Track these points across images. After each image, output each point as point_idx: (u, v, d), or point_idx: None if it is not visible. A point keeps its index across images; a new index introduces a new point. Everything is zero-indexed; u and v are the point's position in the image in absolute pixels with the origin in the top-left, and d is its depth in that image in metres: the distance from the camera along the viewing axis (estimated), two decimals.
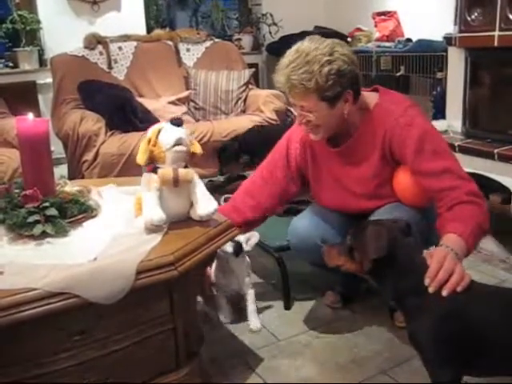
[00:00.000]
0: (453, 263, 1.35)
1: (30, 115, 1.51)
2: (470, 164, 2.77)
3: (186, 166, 1.52)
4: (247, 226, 1.95)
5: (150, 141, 1.47)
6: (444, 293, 1.30)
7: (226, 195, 2.72)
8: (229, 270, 1.99)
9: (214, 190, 3.30)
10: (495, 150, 2.89)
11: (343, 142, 1.82)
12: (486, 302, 1.32)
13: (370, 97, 1.78)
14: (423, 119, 1.75)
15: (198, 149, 1.55)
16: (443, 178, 1.63)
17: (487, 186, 2.87)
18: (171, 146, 1.46)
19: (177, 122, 1.49)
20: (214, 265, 2.00)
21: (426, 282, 1.32)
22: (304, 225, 1.93)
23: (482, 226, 1.54)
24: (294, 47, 1.70)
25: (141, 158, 1.49)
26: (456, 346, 1.28)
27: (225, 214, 1.69)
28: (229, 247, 1.90)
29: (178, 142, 1.47)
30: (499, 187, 2.89)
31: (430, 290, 1.31)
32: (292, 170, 1.95)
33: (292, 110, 2.07)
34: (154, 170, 1.49)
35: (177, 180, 1.47)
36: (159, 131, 1.48)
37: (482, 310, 1.30)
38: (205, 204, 1.53)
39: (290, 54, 1.69)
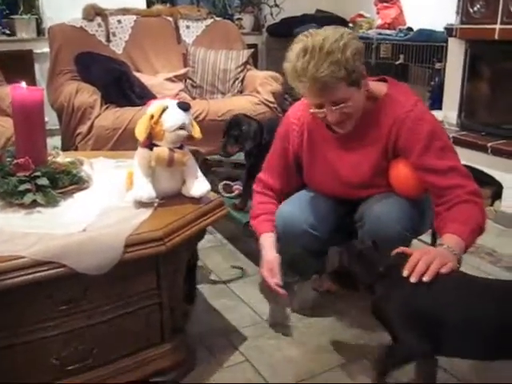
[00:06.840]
0: (432, 256, 1.37)
1: (23, 84, 1.50)
2: (462, 156, 2.76)
3: (181, 146, 1.51)
4: None
5: (152, 117, 1.46)
6: (425, 279, 1.33)
7: (225, 182, 2.64)
8: None
9: (209, 169, 3.27)
10: (489, 144, 2.90)
11: None
12: (455, 288, 1.34)
13: (377, 86, 1.74)
14: (432, 116, 1.74)
15: (197, 133, 1.53)
16: (448, 176, 1.64)
17: (479, 179, 2.89)
18: (174, 130, 1.46)
19: (184, 106, 1.48)
20: None
21: (405, 273, 1.35)
22: (290, 210, 1.91)
23: (480, 225, 1.57)
24: (296, 49, 1.58)
25: (141, 134, 1.46)
26: (420, 323, 1.31)
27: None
28: None
29: (182, 127, 1.46)
30: (490, 181, 2.92)
31: (412, 279, 1.33)
32: (290, 154, 1.92)
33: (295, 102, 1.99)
34: (150, 147, 1.48)
35: (172, 161, 1.47)
36: (163, 110, 1.46)
37: (449, 294, 1.32)
38: (198, 185, 1.53)
39: (299, 56, 1.57)
